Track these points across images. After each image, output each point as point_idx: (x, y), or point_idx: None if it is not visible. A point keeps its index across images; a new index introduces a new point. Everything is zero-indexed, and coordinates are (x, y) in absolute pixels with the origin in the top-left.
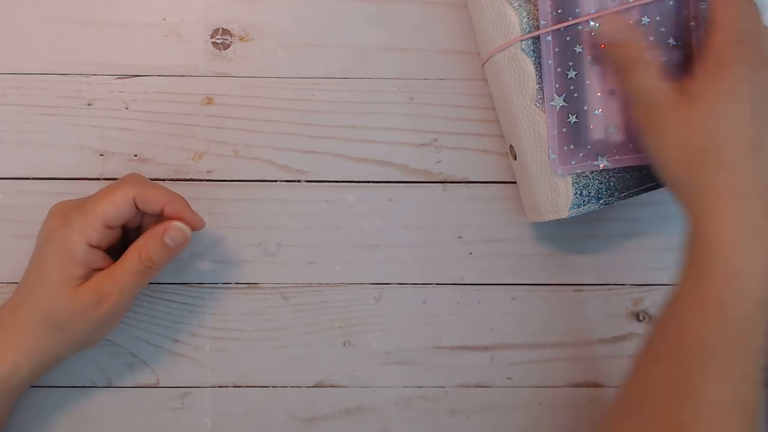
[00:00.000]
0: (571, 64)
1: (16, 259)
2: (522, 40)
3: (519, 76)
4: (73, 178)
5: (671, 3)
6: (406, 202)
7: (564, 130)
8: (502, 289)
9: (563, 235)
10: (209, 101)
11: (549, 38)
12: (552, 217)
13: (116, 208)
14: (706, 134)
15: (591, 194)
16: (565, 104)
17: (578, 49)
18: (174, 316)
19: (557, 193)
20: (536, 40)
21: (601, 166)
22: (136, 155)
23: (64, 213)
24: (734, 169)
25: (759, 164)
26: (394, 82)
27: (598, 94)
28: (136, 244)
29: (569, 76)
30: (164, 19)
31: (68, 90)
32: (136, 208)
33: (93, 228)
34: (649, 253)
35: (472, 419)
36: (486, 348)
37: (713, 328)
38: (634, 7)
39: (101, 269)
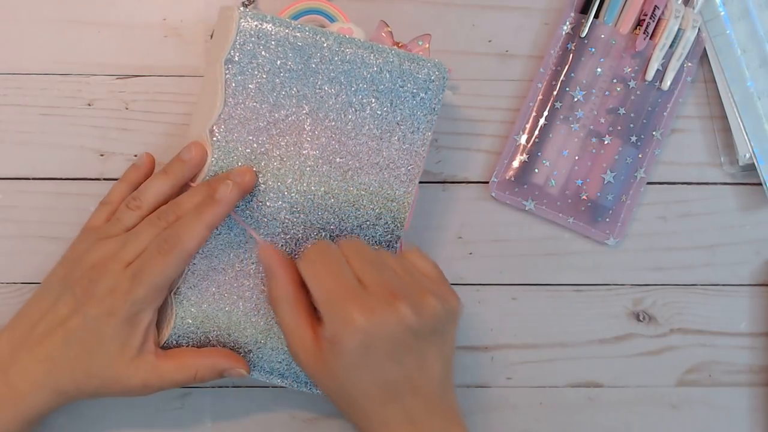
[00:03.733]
0: (545, 114)
1: (16, 259)
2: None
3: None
4: (73, 178)
5: None
6: None
7: (514, 163)
8: (502, 289)
9: (563, 235)
10: None
11: (540, 85)
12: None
13: (178, 268)
14: (341, 385)
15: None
16: (525, 144)
17: (558, 105)
18: None
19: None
20: None
21: (527, 208)
22: (136, 155)
23: (123, 287)
24: (373, 416)
25: (394, 409)
26: None
27: (555, 148)
28: (195, 361)
29: (540, 123)
30: (164, 19)
31: (68, 90)
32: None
33: (162, 295)
34: (649, 253)
35: (472, 419)
36: (486, 348)
37: None
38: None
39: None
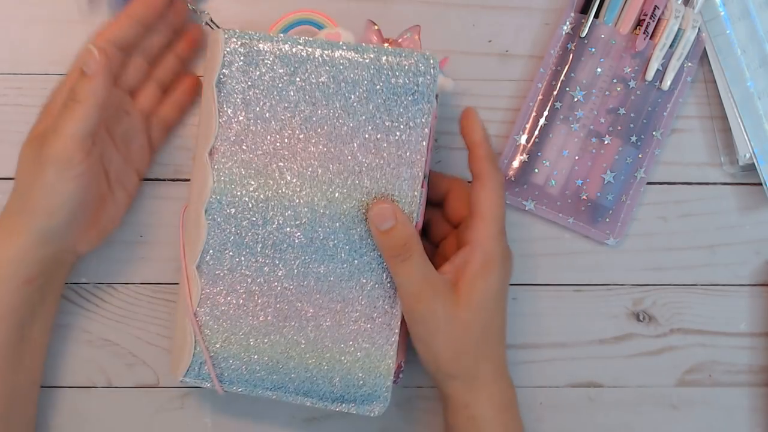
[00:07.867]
0: (545, 114)
1: None
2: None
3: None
4: None
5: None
6: None
7: (514, 163)
8: None
9: (563, 235)
10: None
11: (540, 85)
12: (174, 372)
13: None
14: (473, 331)
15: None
16: (525, 144)
17: (558, 105)
18: (173, 316)
19: (183, 346)
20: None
21: (527, 208)
22: None
23: None
24: (492, 359)
25: (503, 349)
26: None
27: (555, 148)
28: None
29: (540, 123)
30: None
31: None
32: None
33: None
34: (649, 253)
35: None
36: None
37: None
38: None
39: None
